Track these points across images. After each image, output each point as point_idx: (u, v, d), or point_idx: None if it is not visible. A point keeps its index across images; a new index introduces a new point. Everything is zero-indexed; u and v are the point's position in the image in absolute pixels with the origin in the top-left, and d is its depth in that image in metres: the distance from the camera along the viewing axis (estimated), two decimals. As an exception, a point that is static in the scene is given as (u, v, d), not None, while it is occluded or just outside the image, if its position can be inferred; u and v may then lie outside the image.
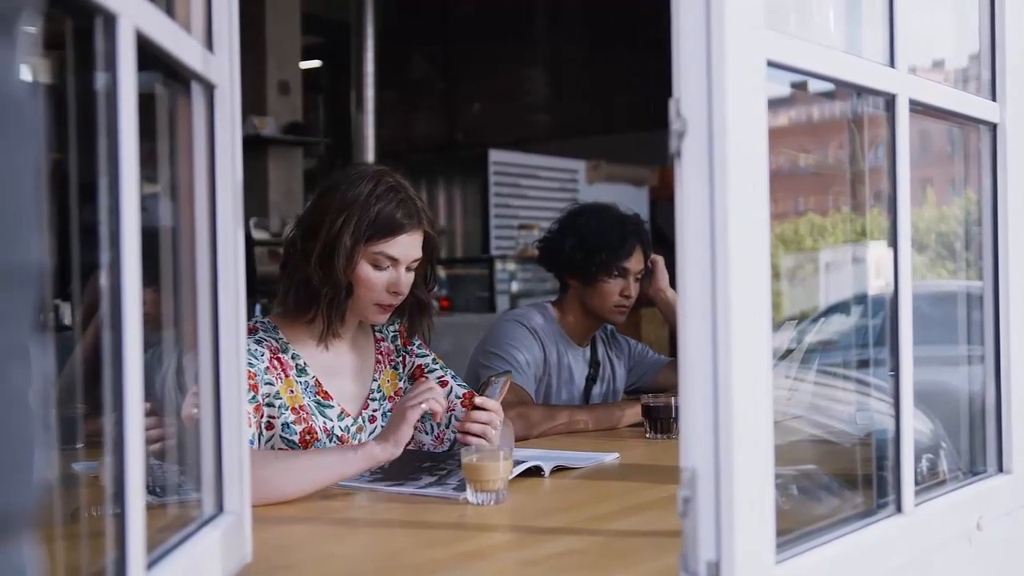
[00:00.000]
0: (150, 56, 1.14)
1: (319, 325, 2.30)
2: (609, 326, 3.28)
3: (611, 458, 2.42)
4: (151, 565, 1.13)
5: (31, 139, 0.62)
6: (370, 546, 1.75)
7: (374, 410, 2.39)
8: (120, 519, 1.04)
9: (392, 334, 2.50)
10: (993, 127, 1.88)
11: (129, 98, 1.05)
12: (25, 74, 0.64)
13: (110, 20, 1.02)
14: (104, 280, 1.04)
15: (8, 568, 0.62)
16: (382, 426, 2.36)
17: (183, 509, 1.46)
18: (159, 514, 1.40)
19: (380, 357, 2.45)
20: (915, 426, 1.62)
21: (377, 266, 2.26)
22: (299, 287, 2.27)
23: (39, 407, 0.64)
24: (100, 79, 1.05)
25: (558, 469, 2.26)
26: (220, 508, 1.42)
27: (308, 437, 2.23)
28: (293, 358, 2.29)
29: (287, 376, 2.26)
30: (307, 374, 2.29)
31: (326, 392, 2.31)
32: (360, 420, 2.35)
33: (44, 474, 0.65)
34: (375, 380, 2.42)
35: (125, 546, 1.04)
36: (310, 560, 1.67)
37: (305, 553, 1.70)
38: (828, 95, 1.76)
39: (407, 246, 2.28)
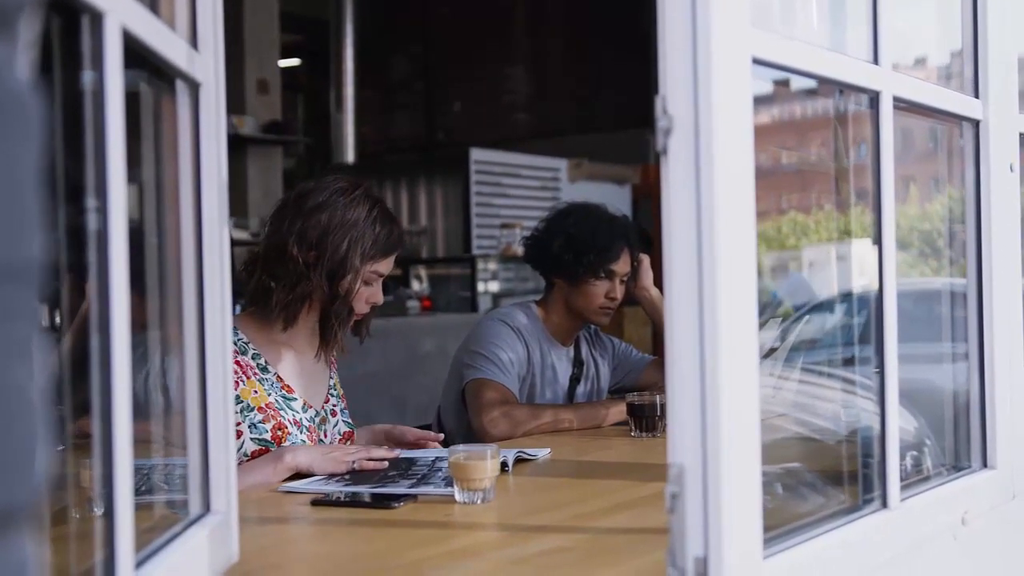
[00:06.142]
0: (134, 54, 1.14)
1: (300, 334, 2.43)
2: (593, 325, 3.28)
3: (543, 453, 2.45)
4: (139, 565, 1.13)
5: (33, 136, 0.63)
6: (357, 545, 1.74)
7: (333, 405, 2.52)
8: (108, 519, 1.04)
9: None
10: (976, 124, 1.89)
11: (116, 96, 1.04)
12: (25, 72, 0.64)
13: (97, 18, 1.02)
14: (91, 281, 1.04)
15: (10, 562, 0.62)
16: (343, 420, 2.52)
17: (168, 509, 1.46)
18: (145, 514, 1.39)
19: (333, 359, 2.57)
20: (900, 424, 1.63)
21: (367, 282, 2.39)
22: (298, 300, 2.35)
23: (41, 403, 0.64)
24: (86, 77, 1.04)
25: (520, 461, 2.33)
26: (207, 508, 1.42)
27: (279, 433, 2.32)
28: (253, 358, 2.37)
29: (249, 378, 2.33)
30: (269, 372, 2.38)
31: (288, 386, 2.40)
32: (323, 412, 2.47)
33: (46, 470, 0.65)
34: (331, 378, 2.55)
35: (114, 546, 1.03)
36: (297, 560, 1.67)
37: (292, 553, 1.70)
38: (810, 92, 1.76)
39: (392, 262, 2.45)
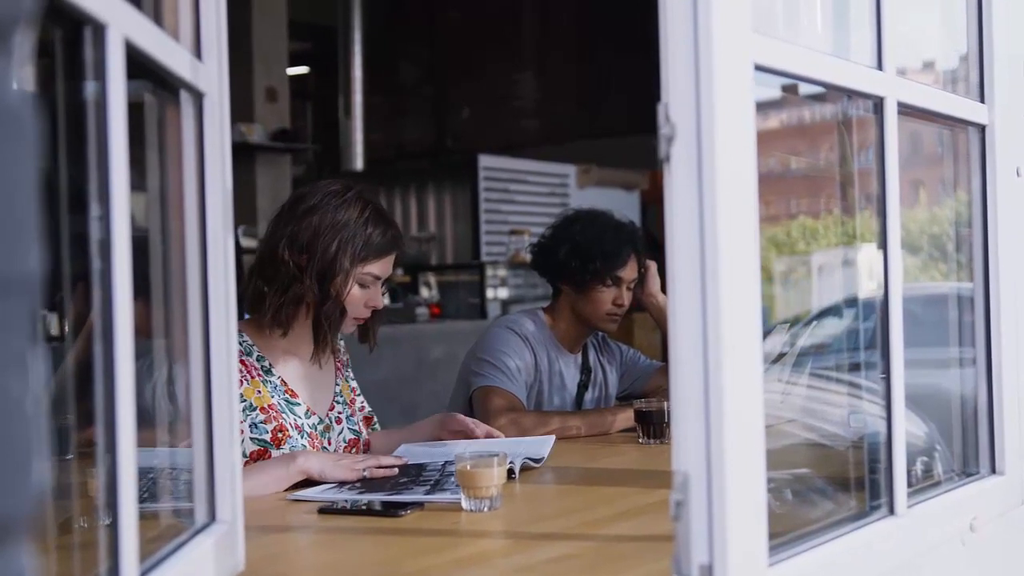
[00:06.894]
0: (138, 65, 1.14)
1: (302, 340, 2.42)
2: (600, 332, 3.28)
3: (549, 443, 2.50)
4: (144, 574, 1.13)
5: (30, 149, 0.63)
6: (364, 554, 1.74)
7: (339, 412, 2.51)
8: (113, 528, 1.04)
9: (342, 346, 2.63)
10: (982, 128, 1.88)
11: (119, 107, 1.05)
12: (22, 84, 0.64)
13: (99, 30, 1.02)
14: (94, 290, 1.04)
15: (8, 573, 0.62)
16: (348, 428, 2.51)
17: (174, 518, 1.46)
18: (151, 523, 1.39)
19: (339, 365, 2.57)
20: (909, 429, 1.63)
21: (362, 285, 2.39)
22: (291, 303, 2.35)
23: (37, 415, 0.64)
24: (89, 88, 1.05)
25: (526, 469, 2.32)
26: (212, 517, 1.42)
27: (280, 435, 2.33)
28: (258, 360, 2.38)
29: (253, 378, 2.34)
30: (273, 375, 2.38)
31: (292, 391, 2.40)
32: (328, 420, 2.46)
33: (42, 481, 0.65)
34: (337, 385, 2.54)
35: (118, 555, 1.04)
36: (303, 569, 1.67)
37: (298, 561, 1.70)
38: (818, 98, 1.76)
39: (389, 265, 2.43)
